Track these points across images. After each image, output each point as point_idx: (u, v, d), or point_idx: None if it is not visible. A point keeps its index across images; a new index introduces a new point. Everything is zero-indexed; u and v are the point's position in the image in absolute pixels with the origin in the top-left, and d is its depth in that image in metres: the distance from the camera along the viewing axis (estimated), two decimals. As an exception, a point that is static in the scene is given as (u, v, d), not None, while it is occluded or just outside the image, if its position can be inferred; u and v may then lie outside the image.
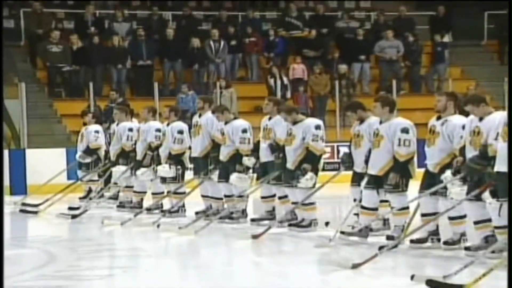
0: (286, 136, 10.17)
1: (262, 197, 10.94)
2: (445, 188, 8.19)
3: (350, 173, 9.72)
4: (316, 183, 10.05)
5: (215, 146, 11.28)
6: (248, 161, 10.82)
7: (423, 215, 8.59)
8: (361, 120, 9.49)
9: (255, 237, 9.62)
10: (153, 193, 12.41)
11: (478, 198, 7.82)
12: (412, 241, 8.64)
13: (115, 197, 13.38)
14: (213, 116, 11.29)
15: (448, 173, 8.17)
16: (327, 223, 9.69)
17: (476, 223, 8.06)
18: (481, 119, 7.92)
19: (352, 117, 9.65)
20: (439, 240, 8.59)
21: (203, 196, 11.60)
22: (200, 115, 11.58)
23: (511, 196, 6.21)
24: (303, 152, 10.03)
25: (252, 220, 10.98)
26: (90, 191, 13.96)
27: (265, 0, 22.96)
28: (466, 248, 8.11)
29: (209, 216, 10.96)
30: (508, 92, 6.49)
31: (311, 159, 9.99)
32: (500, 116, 7.65)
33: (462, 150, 8.10)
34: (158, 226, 10.72)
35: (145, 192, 12.62)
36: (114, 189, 13.40)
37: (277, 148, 10.36)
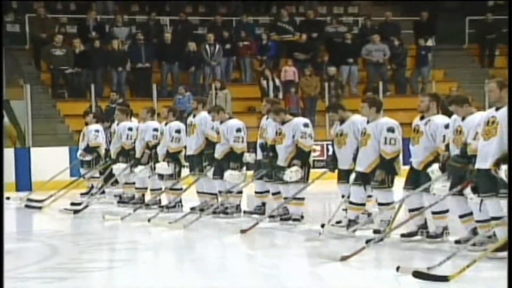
0: (275, 136, 10.18)
1: (256, 192, 10.94)
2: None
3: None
4: (307, 178, 10.04)
5: (209, 144, 11.29)
6: (249, 157, 10.84)
7: (410, 210, 8.60)
8: (342, 120, 9.52)
9: (243, 231, 9.59)
10: (151, 190, 12.39)
11: (460, 193, 7.83)
12: (403, 235, 8.64)
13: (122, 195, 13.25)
14: (207, 115, 11.32)
15: (435, 166, 8.18)
16: (323, 225, 9.51)
17: (461, 217, 8.08)
18: (463, 118, 7.94)
19: (334, 117, 9.68)
20: (428, 233, 8.60)
21: (198, 192, 11.60)
22: (194, 116, 11.59)
23: (511, 195, 6.18)
24: (294, 150, 10.03)
25: (244, 212, 11.02)
26: (92, 187, 13.94)
27: (259, 0, 22.87)
28: (457, 242, 8.11)
29: (203, 211, 10.94)
30: (508, 92, 6.46)
31: (300, 156, 10.00)
32: (481, 116, 7.67)
33: (447, 147, 8.13)
34: (149, 220, 10.67)
35: (146, 188, 12.56)
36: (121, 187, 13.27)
37: (266, 147, 10.37)
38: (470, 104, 8.05)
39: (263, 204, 10.88)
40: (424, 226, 8.64)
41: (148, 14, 21.19)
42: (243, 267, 8.18)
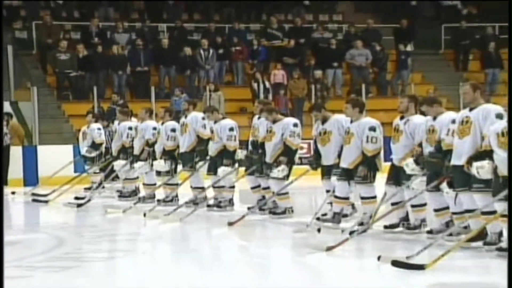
0: (266, 134, 10.18)
1: (251, 188, 10.87)
2: (409, 178, 8.24)
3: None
4: (289, 175, 10.02)
5: (200, 141, 11.29)
6: (241, 154, 10.81)
7: (392, 204, 8.61)
8: (324, 120, 9.53)
9: (231, 224, 9.56)
10: (147, 184, 12.34)
11: (437, 188, 7.86)
12: (385, 227, 8.66)
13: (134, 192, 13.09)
14: (197, 115, 11.34)
15: (409, 160, 8.21)
16: (319, 230, 9.31)
17: (436, 210, 8.12)
18: (434, 118, 8.00)
19: (317, 116, 9.69)
20: (409, 225, 8.62)
21: (191, 187, 11.57)
22: (186, 116, 11.59)
23: (511, 194, 6.18)
24: (282, 148, 10.03)
25: (248, 208, 10.60)
26: (95, 183, 13.90)
27: (254, 1, 22.84)
28: (428, 232, 8.17)
29: (197, 204, 10.93)
30: (508, 93, 6.49)
31: (287, 153, 9.99)
32: (453, 115, 7.78)
33: (421, 144, 8.17)
34: (144, 214, 10.64)
35: (154, 184, 12.20)
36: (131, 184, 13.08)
37: (256, 145, 10.36)
38: (440, 105, 8.13)
39: (263, 197, 10.74)
40: (405, 218, 8.67)
41: (146, 22, 21.16)
42: (235, 257, 8.17)
